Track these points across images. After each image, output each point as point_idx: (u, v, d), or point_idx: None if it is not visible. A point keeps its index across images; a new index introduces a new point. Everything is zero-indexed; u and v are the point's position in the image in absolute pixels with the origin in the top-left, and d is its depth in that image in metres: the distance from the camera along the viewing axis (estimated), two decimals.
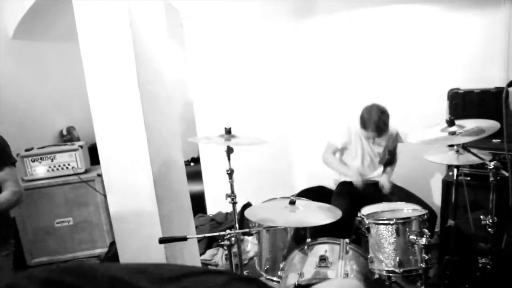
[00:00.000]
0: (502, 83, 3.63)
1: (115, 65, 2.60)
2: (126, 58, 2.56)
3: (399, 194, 3.36)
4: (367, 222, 2.56)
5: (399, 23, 4.00)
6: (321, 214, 2.42)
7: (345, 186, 3.53)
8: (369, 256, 2.56)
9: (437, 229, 3.48)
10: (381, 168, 3.65)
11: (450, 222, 2.92)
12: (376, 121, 3.26)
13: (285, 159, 4.25)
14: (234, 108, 4.23)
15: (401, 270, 2.44)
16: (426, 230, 2.38)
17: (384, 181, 3.46)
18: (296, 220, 2.39)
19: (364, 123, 3.34)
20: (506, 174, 2.60)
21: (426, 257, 2.36)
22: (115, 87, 2.63)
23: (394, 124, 3.51)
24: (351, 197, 3.38)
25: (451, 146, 2.80)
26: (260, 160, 3.80)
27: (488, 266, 2.63)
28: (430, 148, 2.92)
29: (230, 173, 2.81)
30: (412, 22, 3.95)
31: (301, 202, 2.56)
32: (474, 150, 2.61)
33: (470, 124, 2.50)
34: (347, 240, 2.66)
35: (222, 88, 4.30)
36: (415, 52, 3.97)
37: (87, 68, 2.66)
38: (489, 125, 2.43)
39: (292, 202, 2.45)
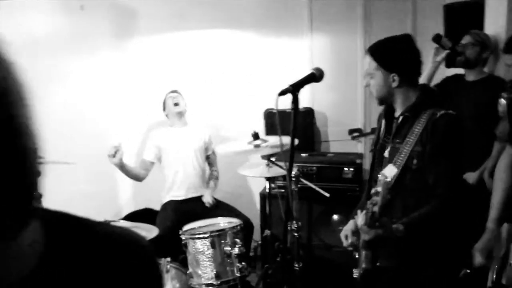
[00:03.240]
0: (310, 104, 4.07)
1: None
2: None
3: (223, 209, 3.47)
4: (183, 238, 2.60)
5: (222, 46, 4.19)
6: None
7: (170, 205, 3.52)
8: (188, 272, 2.60)
9: (260, 241, 3.67)
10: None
11: (267, 232, 3.11)
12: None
13: (108, 182, 4.09)
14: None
15: (219, 282, 2.52)
16: (238, 240, 2.51)
17: (207, 197, 3.50)
18: None
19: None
20: (309, 183, 2.89)
21: (240, 266, 2.48)
22: None
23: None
24: (176, 215, 3.38)
25: (267, 160, 3.00)
26: (77, 185, 3.60)
27: (297, 269, 2.86)
28: (243, 160, 3.11)
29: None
30: (233, 46, 4.19)
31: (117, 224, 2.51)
32: (282, 163, 2.85)
33: (272, 139, 2.73)
34: (168, 259, 2.66)
35: None
36: (237, 73, 4.18)
37: None
38: (287, 140, 2.65)
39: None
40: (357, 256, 1.98)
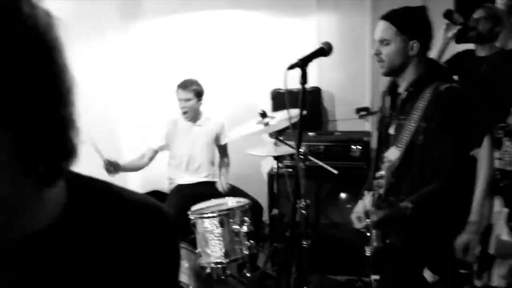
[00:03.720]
0: (317, 83, 4.03)
1: None
2: None
3: (231, 191, 3.47)
4: (192, 218, 2.61)
5: (228, 27, 4.17)
6: None
7: (179, 188, 3.53)
8: (197, 251, 2.61)
9: (268, 221, 3.68)
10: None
11: (274, 211, 3.12)
12: (186, 81, 3.41)
13: None
14: None
15: (228, 260, 2.54)
16: (246, 219, 2.52)
17: (222, 183, 3.48)
18: None
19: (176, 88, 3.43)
20: (316, 161, 2.88)
21: (249, 244, 2.49)
22: None
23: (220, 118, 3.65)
24: (185, 197, 3.40)
25: (275, 138, 2.99)
26: (88, 168, 3.60)
27: (306, 247, 2.86)
28: (253, 143, 3.10)
29: None
30: (239, 26, 4.16)
31: None
32: (290, 142, 2.84)
33: (279, 114, 2.72)
34: None
35: None
36: (243, 54, 4.17)
37: None
38: (295, 112, 2.64)
39: None
40: (368, 235, 1.98)
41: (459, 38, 3.05)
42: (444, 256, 2.03)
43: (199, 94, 3.42)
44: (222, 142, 3.65)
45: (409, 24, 1.88)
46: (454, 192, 1.85)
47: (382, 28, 1.89)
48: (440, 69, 2.01)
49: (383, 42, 1.88)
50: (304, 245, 2.84)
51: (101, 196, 0.68)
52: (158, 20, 4.20)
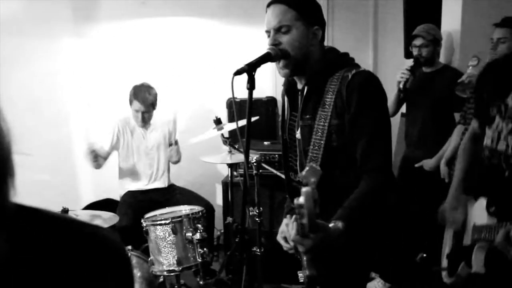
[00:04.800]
0: (271, 93, 4.09)
1: None
2: None
3: (183, 195, 3.46)
4: (145, 226, 2.57)
5: (184, 34, 4.16)
6: (96, 221, 2.36)
7: (130, 195, 3.47)
8: (149, 259, 2.57)
9: (223, 229, 3.68)
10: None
11: (229, 219, 3.13)
12: (143, 93, 3.35)
13: (67, 172, 4.00)
14: None
15: (180, 268, 2.51)
16: (199, 226, 2.50)
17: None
18: None
19: (131, 97, 3.38)
20: (269, 168, 2.91)
21: (202, 251, 2.48)
22: None
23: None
24: (137, 204, 3.34)
25: (229, 146, 3.00)
26: (36, 174, 3.49)
27: (259, 254, 2.87)
28: (208, 150, 3.11)
29: None
30: (195, 34, 4.16)
31: (76, 213, 2.48)
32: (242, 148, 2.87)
33: (230, 125, 2.75)
34: (129, 247, 2.63)
35: None
36: (200, 62, 4.17)
37: None
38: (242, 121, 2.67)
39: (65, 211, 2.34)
40: (299, 258, 1.62)
41: (408, 54, 3.23)
42: (393, 258, 1.97)
43: (154, 105, 3.43)
44: (172, 140, 3.58)
45: (308, 7, 1.62)
46: (386, 192, 1.59)
47: (278, 12, 1.58)
48: (343, 56, 1.71)
49: (281, 29, 1.58)
50: (257, 253, 2.85)
51: (47, 230, 0.63)
52: (112, 25, 4.14)
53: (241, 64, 1.58)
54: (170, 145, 3.52)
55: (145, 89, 3.38)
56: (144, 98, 3.33)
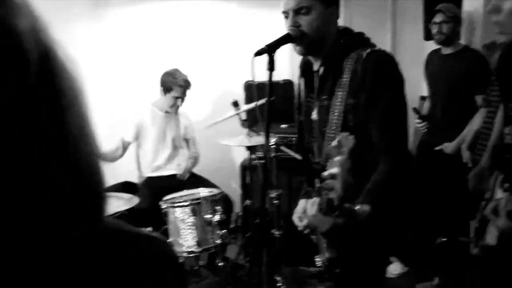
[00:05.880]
0: (288, 76, 4.07)
1: None
2: None
3: (202, 183, 3.48)
4: (164, 208, 2.60)
5: (202, 17, 4.15)
6: (116, 202, 2.39)
7: (150, 180, 3.50)
8: (168, 241, 2.60)
9: (241, 212, 3.70)
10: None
11: (247, 202, 3.14)
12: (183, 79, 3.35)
13: None
14: None
15: (200, 249, 2.54)
16: (218, 208, 2.52)
17: (183, 170, 3.50)
18: None
19: (169, 84, 3.35)
20: (287, 150, 2.91)
21: (221, 233, 2.50)
22: None
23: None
24: (156, 188, 3.37)
25: (247, 128, 3.01)
26: None
27: (278, 237, 2.89)
28: (226, 133, 3.11)
29: None
30: (213, 17, 4.15)
31: None
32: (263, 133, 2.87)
33: (250, 105, 2.74)
34: (150, 228, 2.66)
35: None
36: (218, 45, 4.15)
37: None
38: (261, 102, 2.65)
39: None
40: (315, 241, 1.67)
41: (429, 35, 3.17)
42: (412, 241, 1.97)
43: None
44: (190, 135, 3.66)
45: None
46: (405, 171, 1.59)
47: None
48: (358, 36, 1.69)
49: (301, 10, 1.57)
50: (276, 235, 2.87)
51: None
52: (131, 9, 4.14)
53: (257, 47, 1.59)
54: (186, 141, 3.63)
55: (180, 74, 3.39)
56: (185, 84, 3.36)
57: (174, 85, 3.33)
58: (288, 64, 4.04)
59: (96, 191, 0.53)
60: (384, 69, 1.55)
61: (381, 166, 1.53)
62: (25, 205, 0.45)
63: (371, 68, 1.52)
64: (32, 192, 0.45)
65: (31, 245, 0.47)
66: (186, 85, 3.34)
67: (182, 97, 3.37)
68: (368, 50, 1.56)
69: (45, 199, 0.46)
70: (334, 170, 1.15)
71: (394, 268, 3.27)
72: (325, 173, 1.19)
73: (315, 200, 1.45)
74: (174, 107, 3.42)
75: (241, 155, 3.98)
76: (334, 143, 1.19)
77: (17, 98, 0.42)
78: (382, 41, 4.07)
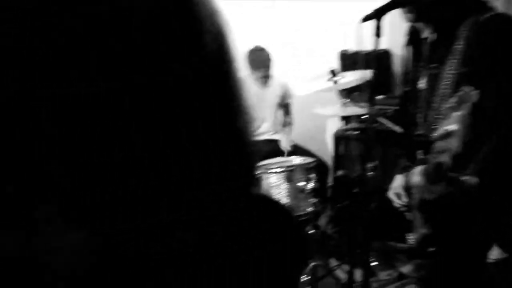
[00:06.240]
0: (385, 46, 3.90)
1: None
2: None
3: (297, 151, 3.49)
4: (258, 173, 2.65)
5: None
6: None
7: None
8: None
9: (332, 183, 3.68)
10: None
11: (339, 172, 3.11)
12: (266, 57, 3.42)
13: None
14: None
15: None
16: (312, 176, 2.52)
17: (285, 142, 3.53)
18: None
19: (254, 63, 3.44)
20: (387, 122, 2.82)
21: (313, 201, 2.51)
22: None
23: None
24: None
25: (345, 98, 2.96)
26: None
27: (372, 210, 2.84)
28: (320, 103, 3.08)
29: None
30: None
31: None
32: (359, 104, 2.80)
33: (349, 75, 2.67)
34: None
35: None
36: (308, 15, 4.11)
37: None
38: (363, 74, 2.59)
39: None
40: (410, 218, 1.63)
41: None
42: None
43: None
44: (286, 101, 3.68)
45: None
46: None
47: None
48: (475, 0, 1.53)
49: None
50: (371, 207, 2.81)
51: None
52: None
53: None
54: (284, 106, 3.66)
55: (261, 53, 3.48)
56: (266, 63, 3.45)
57: (257, 64, 3.45)
58: (385, 33, 3.88)
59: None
60: (506, 36, 1.40)
61: (496, 135, 1.40)
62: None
63: (493, 32, 1.39)
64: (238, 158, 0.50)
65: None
66: (266, 64, 3.45)
67: (267, 75, 3.49)
68: (487, 15, 1.41)
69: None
70: (450, 126, 1.05)
71: (492, 253, 3.09)
72: (438, 132, 1.11)
73: (421, 168, 1.37)
74: (261, 82, 3.52)
75: (333, 124, 3.94)
76: (453, 99, 1.10)
77: (194, 74, 0.45)
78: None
